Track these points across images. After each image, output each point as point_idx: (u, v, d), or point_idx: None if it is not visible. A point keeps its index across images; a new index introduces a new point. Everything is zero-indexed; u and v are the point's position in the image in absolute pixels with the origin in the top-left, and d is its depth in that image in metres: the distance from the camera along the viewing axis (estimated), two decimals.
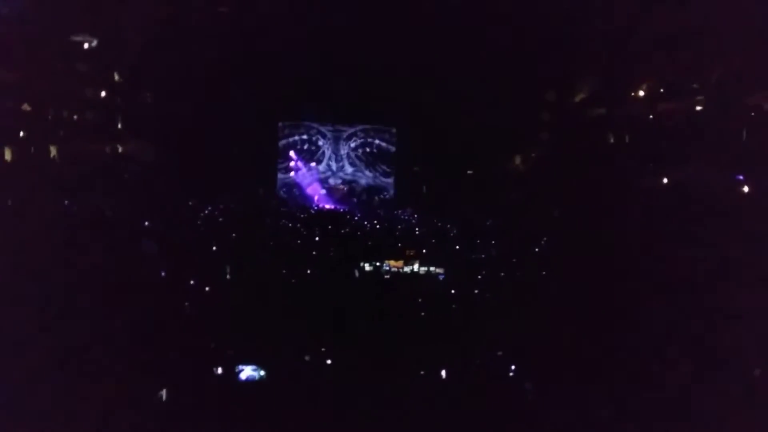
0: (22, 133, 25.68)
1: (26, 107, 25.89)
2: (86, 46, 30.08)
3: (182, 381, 7.79)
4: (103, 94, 31.73)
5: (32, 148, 26.22)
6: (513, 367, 8.75)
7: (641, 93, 28.07)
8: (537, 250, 19.87)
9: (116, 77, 32.14)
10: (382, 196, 37.07)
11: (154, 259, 15.15)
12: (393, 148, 37.66)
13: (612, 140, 29.90)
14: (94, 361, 7.79)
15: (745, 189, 20.11)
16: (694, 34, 21.84)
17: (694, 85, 24.39)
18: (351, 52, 30.22)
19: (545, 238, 20.69)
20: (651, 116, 26.83)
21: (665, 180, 24.44)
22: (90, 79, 30.47)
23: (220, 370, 8.26)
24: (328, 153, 37.90)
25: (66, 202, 21.92)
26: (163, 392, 7.53)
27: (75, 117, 29.66)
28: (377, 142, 37.87)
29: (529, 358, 8.85)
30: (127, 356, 8.01)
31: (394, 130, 37.32)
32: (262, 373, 8.25)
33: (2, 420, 6.39)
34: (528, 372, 8.55)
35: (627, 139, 28.61)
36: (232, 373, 8.22)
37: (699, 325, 9.58)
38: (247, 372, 8.23)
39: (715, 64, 22.88)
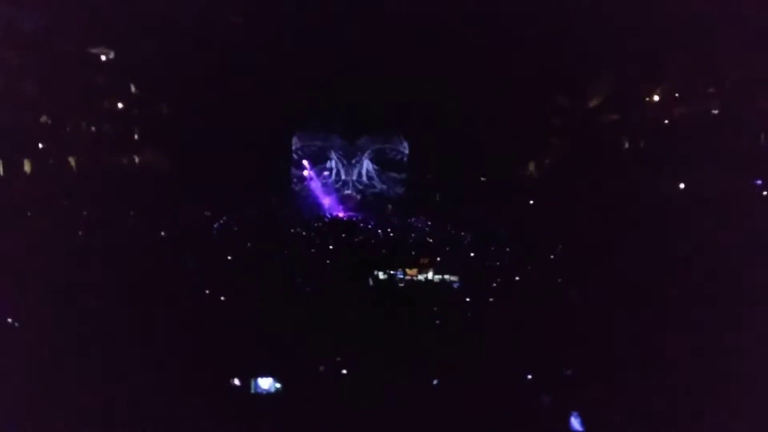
0: (41, 145, 26.13)
1: (44, 119, 26.35)
2: (103, 58, 30.58)
3: (197, 392, 7.83)
4: (120, 105, 32.20)
5: (50, 160, 26.64)
6: (529, 377, 8.68)
7: (656, 97, 27.87)
8: (552, 256, 19.73)
9: (133, 89, 32.62)
10: (395, 204, 37.07)
11: (169, 269, 15.27)
12: (406, 156, 37.69)
13: (627, 145, 29.68)
14: (110, 372, 7.85)
15: (764, 193, 19.85)
16: (709, 38, 21.66)
17: (710, 89, 24.17)
18: (363, 62, 30.37)
19: (560, 245, 20.54)
20: (666, 121, 26.61)
21: (681, 185, 24.20)
22: (107, 91, 30.94)
23: (236, 381, 8.29)
24: (341, 161, 38.05)
25: (84, 212, 22.20)
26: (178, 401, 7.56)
27: (93, 128, 30.11)
28: (390, 149, 37.93)
29: (546, 368, 8.78)
30: (142, 367, 8.07)
31: (406, 139, 37.37)
32: (278, 385, 8.26)
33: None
34: (545, 383, 8.47)
35: (642, 144, 28.40)
36: (247, 386, 8.24)
37: (719, 332, 9.45)
38: (263, 384, 8.25)
39: (731, 68, 22.66)
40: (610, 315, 11.21)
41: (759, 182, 20.02)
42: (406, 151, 37.70)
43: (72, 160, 27.67)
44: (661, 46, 24.38)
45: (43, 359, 7.99)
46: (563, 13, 25.96)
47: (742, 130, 21.02)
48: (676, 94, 26.53)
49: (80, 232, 18.98)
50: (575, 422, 7.19)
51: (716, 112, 23.55)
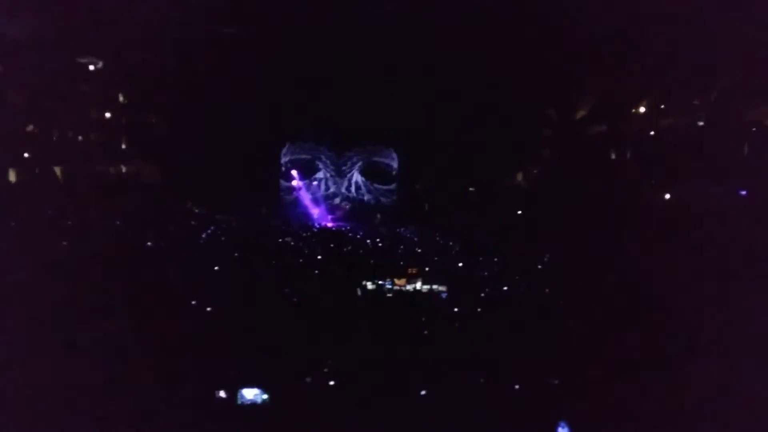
0: (26, 154, 25.92)
1: (31, 128, 26.16)
2: (91, 67, 30.47)
3: (184, 403, 7.74)
4: (107, 115, 32.04)
5: (36, 169, 26.42)
6: (517, 387, 8.67)
7: (642, 109, 28.22)
8: (540, 267, 19.80)
9: (121, 98, 32.49)
10: (384, 214, 37.08)
11: (155, 279, 15.14)
12: (395, 166, 37.78)
13: (613, 156, 29.98)
14: (93, 384, 7.75)
15: (747, 204, 20.09)
16: (695, 50, 22.01)
17: (695, 101, 24.53)
18: (352, 74, 30.48)
19: (548, 255, 20.64)
20: (652, 132, 26.95)
21: (667, 196, 24.46)
22: (95, 100, 30.79)
23: (222, 393, 8.20)
24: (329, 172, 38.07)
25: (70, 222, 21.99)
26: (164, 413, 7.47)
27: (79, 138, 29.93)
28: (379, 160, 38.01)
29: (534, 378, 8.78)
30: (126, 379, 7.97)
31: (395, 148, 37.47)
32: (265, 396, 8.19)
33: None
34: (533, 391, 8.48)
35: (628, 155, 28.70)
36: (234, 396, 8.16)
37: (705, 340, 9.53)
38: (249, 395, 8.17)
39: (716, 79, 23.02)
40: (597, 324, 11.25)
41: (743, 193, 20.28)
42: (395, 162, 37.79)
43: (58, 170, 27.45)
44: (647, 57, 24.74)
45: (22, 370, 7.87)
46: (551, 26, 26.28)
47: (726, 141, 21.33)
48: (662, 106, 26.90)
49: (65, 242, 18.76)
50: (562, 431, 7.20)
51: (701, 123, 23.89)
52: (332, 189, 38.10)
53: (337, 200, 38.00)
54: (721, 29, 20.22)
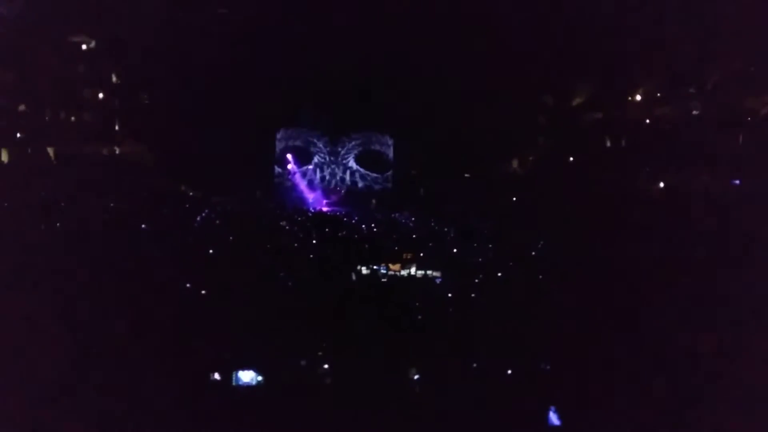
0: (18, 135, 25.68)
1: (23, 108, 25.89)
2: (84, 47, 30.08)
3: (178, 386, 7.77)
4: (100, 95, 31.70)
5: (29, 149, 26.20)
6: (510, 372, 8.75)
7: (638, 97, 28.20)
8: (534, 253, 19.89)
9: (114, 79, 32.13)
10: (379, 199, 37.04)
11: (150, 262, 15.11)
12: (390, 151, 37.67)
13: (609, 144, 30.01)
14: (88, 366, 7.76)
15: (742, 193, 20.20)
16: (691, 39, 21.96)
17: (691, 90, 24.52)
18: (348, 58, 30.27)
19: (543, 242, 20.72)
20: (648, 120, 26.96)
21: (662, 184, 24.55)
22: (87, 80, 30.44)
23: (217, 376, 8.23)
24: (325, 156, 37.92)
25: (62, 204, 21.87)
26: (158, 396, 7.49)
27: (72, 118, 29.64)
28: (374, 145, 37.88)
29: (526, 364, 8.86)
30: (121, 361, 7.98)
31: (391, 134, 37.34)
32: (260, 378, 8.23)
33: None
34: (525, 377, 8.56)
35: (624, 143, 28.74)
36: (229, 378, 8.20)
37: (700, 328, 9.61)
38: (245, 377, 8.21)
39: (712, 69, 23.00)
40: (591, 311, 11.33)
41: (737, 182, 20.38)
42: (391, 147, 37.67)
43: (51, 150, 27.23)
44: (643, 46, 24.66)
45: (18, 346, 7.87)
46: (547, 13, 26.14)
47: (722, 130, 21.37)
48: (658, 94, 26.89)
49: (58, 223, 18.66)
50: (553, 417, 7.27)
51: (696, 112, 23.91)
52: (327, 173, 37.98)
53: (331, 185, 37.92)
54: (718, 18, 20.17)
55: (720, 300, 10.85)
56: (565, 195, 25.41)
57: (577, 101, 32.10)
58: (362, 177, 37.97)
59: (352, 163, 37.99)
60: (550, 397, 7.65)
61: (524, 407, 7.84)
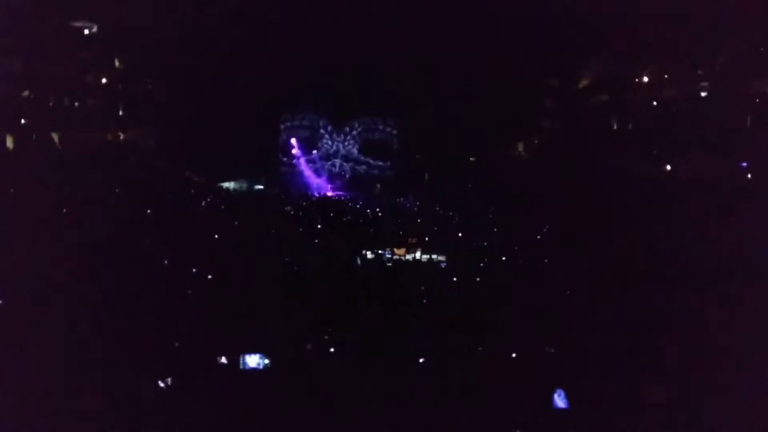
0: (23, 121, 25.67)
1: (27, 94, 25.86)
2: (87, 32, 29.93)
3: (185, 370, 7.83)
4: (104, 80, 31.62)
5: (33, 136, 26.21)
6: (514, 355, 8.77)
7: (644, 79, 27.91)
8: (539, 237, 19.87)
9: (117, 64, 32.01)
10: (383, 184, 37.01)
11: (156, 247, 15.18)
12: (395, 135, 37.54)
13: (615, 127, 29.78)
14: (96, 350, 7.83)
15: (749, 176, 20.06)
16: (698, 21, 21.66)
17: (698, 72, 24.24)
18: (352, 42, 30.05)
19: (547, 226, 20.68)
20: (654, 103, 26.71)
21: (668, 167, 24.39)
22: (91, 65, 30.35)
23: (223, 359, 8.30)
24: (330, 141, 37.83)
25: (68, 189, 21.90)
26: (167, 381, 7.56)
27: (76, 104, 29.60)
28: (379, 129, 37.75)
29: (532, 349, 8.88)
30: (128, 346, 8.05)
31: (395, 119, 37.19)
32: (267, 361, 8.29)
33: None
34: (530, 360, 8.58)
35: (630, 126, 28.52)
36: (235, 362, 8.26)
37: (705, 314, 9.61)
38: (251, 360, 8.27)
39: (719, 51, 22.71)
40: (595, 295, 11.34)
41: (744, 164, 20.22)
42: (395, 131, 37.53)
43: (55, 136, 27.24)
44: (650, 28, 24.35)
45: (24, 333, 7.95)
46: None
47: (729, 111, 21.15)
48: (665, 76, 26.60)
49: (64, 209, 18.73)
50: (558, 399, 7.29)
51: (704, 94, 23.66)
52: (331, 158, 37.93)
53: (336, 169, 37.89)
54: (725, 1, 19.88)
55: (729, 283, 10.82)
56: (570, 179, 25.29)
57: (582, 84, 31.81)
58: (366, 162, 37.91)
59: (356, 148, 37.91)
60: (556, 380, 7.67)
61: (529, 390, 7.87)
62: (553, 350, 8.90)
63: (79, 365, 7.45)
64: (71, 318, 8.79)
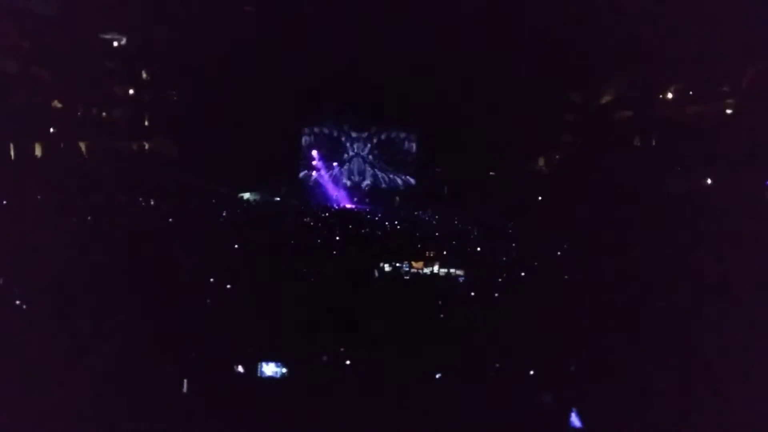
0: (52, 130, 26.29)
1: (56, 104, 26.50)
2: (115, 44, 30.67)
3: (203, 378, 7.89)
4: (131, 91, 32.32)
5: (61, 144, 26.80)
6: (532, 373, 8.67)
7: (669, 95, 27.62)
8: (559, 252, 19.66)
9: (144, 75, 32.72)
10: (402, 197, 37.06)
11: (176, 256, 15.35)
12: (414, 149, 37.63)
13: (637, 142, 29.46)
14: (114, 357, 7.92)
15: None
16: (725, 35, 21.41)
17: (724, 88, 23.92)
18: (374, 55, 30.29)
19: (568, 241, 20.46)
20: (677, 119, 26.39)
21: (692, 184, 24.01)
22: (118, 76, 31.06)
23: (240, 368, 8.34)
24: (350, 153, 38.06)
25: (93, 197, 22.33)
26: (184, 387, 7.63)
27: (103, 114, 30.27)
28: (399, 142, 37.90)
29: (550, 365, 8.76)
30: (148, 353, 8.13)
31: (415, 131, 37.31)
32: (284, 370, 8.32)
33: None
34: (548, 380, 8.46)
35: (653, 142, 28.20)
36: (253, 371, 8.30)
37: (731, 331, 9.39)
38: (268, 369, 8.31)
39: (745, 68, 22.40)
40: (616, 312, 11.16)
41: None
42: (415, 145, 37.63)
43: (83, 145, 27.83)
44: (675, 44, 24.14)
45: (50, 338, 8.09)
46: (577, 10, 25.77)
47: (755, 129, 20.78)
48: (690, 92, 26.29)
49: (89, 217, 19.08)
50: (575, 418, 7.19)
51: (730, 111, 23.32)
52: (351, 170, 38.13)
53: (355, 182, 38.06)
54: (752, 14, 19.62)
55: (755, 302, 10.57)
56: (592, 193, 25.04)
57: (605, 99, 31.60)
58: (386, 174, 38.02)
59: (376, 161, 38.06)
60: (573, 398, 7.56)
61: (546, 408, 7.77)
62: (572, 368, 8.78)
63: (94, 373, 7.54)
64: (86, 323, 8.92)
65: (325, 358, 9.07)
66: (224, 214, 26.25)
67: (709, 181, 22.84)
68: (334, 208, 33.24)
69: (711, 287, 12.02)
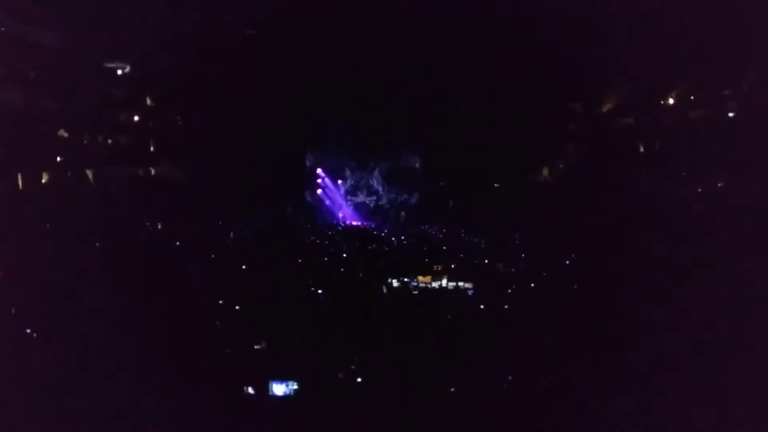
0: (59, 158, 26.54)
1: (62, 133, 26.79)
2: (119, 72, 31.08)
3: (214, 400, 7.88)
4: (135, 118, 32.67)
5: (69, 172, 27.03)
6: (543, 385, 8.61)
7: (671, 101, 27.62)
8: (567, 263, 19.57)
9: (149, 102, 33.10)
10: (408, 212, 37.08)
11: (185, 279, 15.40)
12: (419, 163, 37.73)
13: (641, 150, 29.40)
14: (125, 382, 7.93)
15: None
16: (726, 39, 21.45)
17: (726, 92, 23.90)
18: (375, 71, 30.56)
19: (575, 252, 20.37)
20: (681, 124, 26.35)
21: (698, 189, 23.90)
22: (123, 103, 31.43)
23: (251, 390, 8.34)
24: (354, 170, 38.21)
25: (100, 223, 22.47)
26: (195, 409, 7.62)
27: (109, 141, 30.58)
28: (403, 157, 38.01)
29: (559, 376, 8.70)
30: (158, 376, 8.14)
31: (419, 145, 37.42)
32: (295, 387, 8.32)
33: None
34: (556, 389, 8.40)
35: (657, 148, 28.12)
36: (263, 392, 8.29)
37: (740, 339, 9.29)
38: (278, 389, 8.30)
39: (748, 69, 22.40)
40: (626, 323, 11.08)
41: None
42: (419, 159, 37.73)
43: (89, 172, 28.06)
44: (675, 49, 24.20)
45: (57, 366, 8.11)
46: (577, 16, 25.89)
47: (758, 132, 20.72)
48: (692, 97, 26.27)
49: (97, 243, 19.21)
50: None
51: (732, 115, 23.28)
52: (356, 187, 38.25)
53: (361, 198, 38.16)
54: (753, 17, 19.67)
55: (765, 307, 10.46)
56: (597, 203, 24.96)
57: (607, 107, 31.63)
58: (391, 190, 38.10)
59: (381, 175, 38.17)
60: (584, 410, 7.50)
61: (557, 420, 7.71)
62: (585, 383, 8.71)
63: (104, 398, 7.55)
64: (96, 347, 8.95)
65: (341, 375, 9.05)
66: (231, 235, 26.35)
67: (717, 185, 22.72)
68: (341, 226, 33.29)
69: (722, 295, 11.91)
